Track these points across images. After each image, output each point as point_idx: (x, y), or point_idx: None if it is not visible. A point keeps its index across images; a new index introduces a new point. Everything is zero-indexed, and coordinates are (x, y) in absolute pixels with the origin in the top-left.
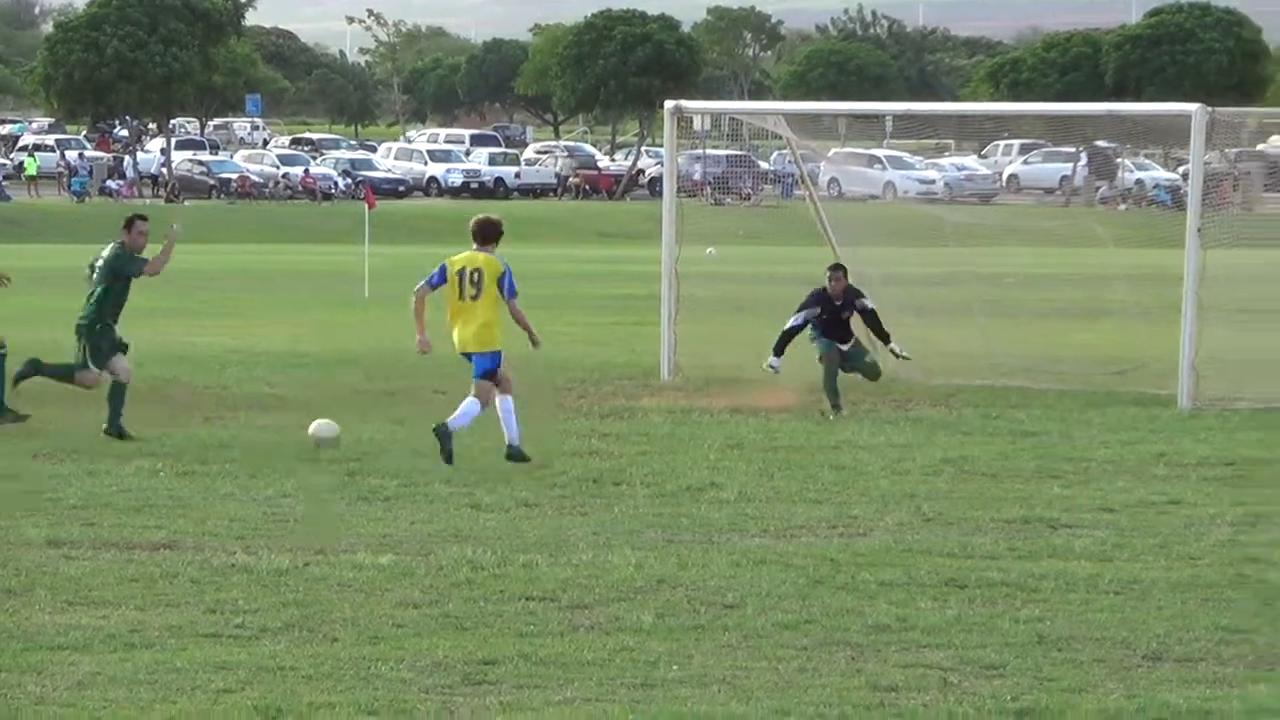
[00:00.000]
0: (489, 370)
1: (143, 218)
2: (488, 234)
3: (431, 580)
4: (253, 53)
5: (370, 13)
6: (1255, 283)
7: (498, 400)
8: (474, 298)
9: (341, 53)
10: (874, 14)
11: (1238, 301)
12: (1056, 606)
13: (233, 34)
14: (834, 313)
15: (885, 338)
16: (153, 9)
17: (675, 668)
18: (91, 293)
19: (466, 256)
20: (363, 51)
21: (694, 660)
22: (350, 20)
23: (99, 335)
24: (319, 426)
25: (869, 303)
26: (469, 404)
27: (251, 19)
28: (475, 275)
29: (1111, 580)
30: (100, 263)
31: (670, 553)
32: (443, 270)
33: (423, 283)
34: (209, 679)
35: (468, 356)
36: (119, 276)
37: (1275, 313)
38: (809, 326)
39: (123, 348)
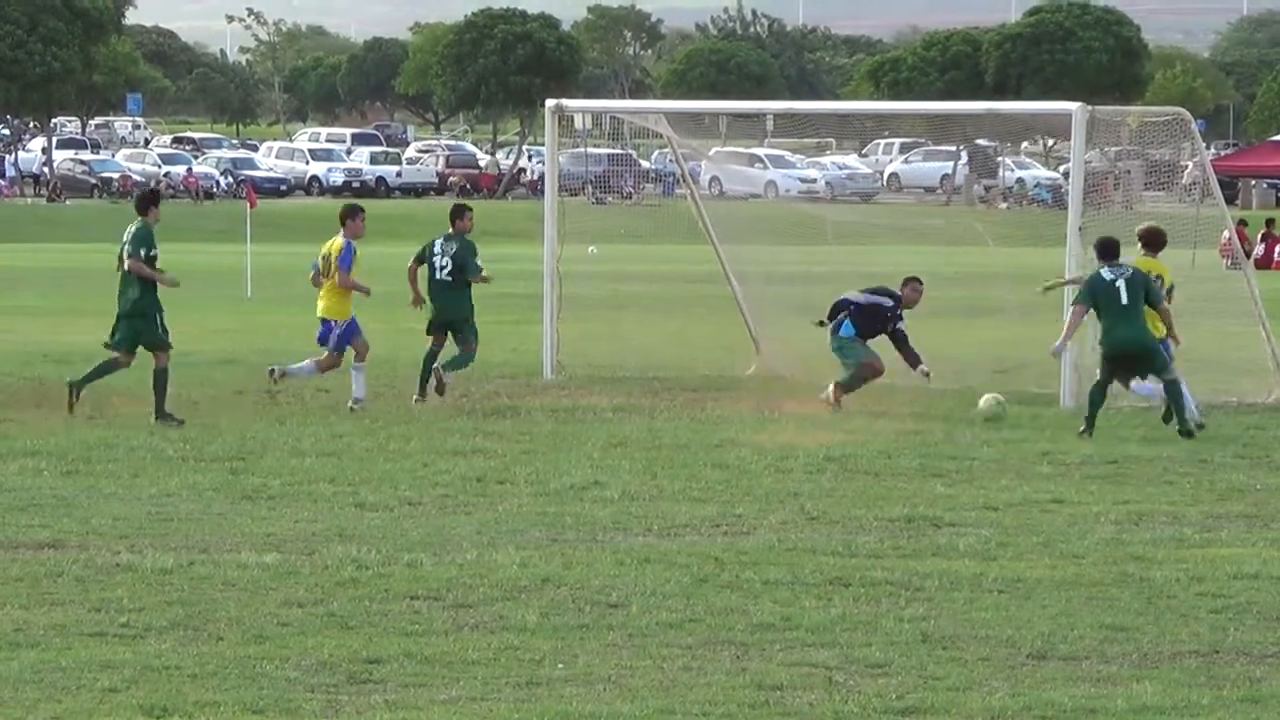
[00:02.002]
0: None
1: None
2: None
3: (316, 579)
4: (133, 51)
5: (250, 11)
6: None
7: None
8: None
9: (222, 51)
10: (754, 13)
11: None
12: (941, 605)
13: (113, 33)
14: (886, 321)
15: (915, 360)
16: (32, 8)
17: (560, 666)
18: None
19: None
20: (243, 50)
21: (579, 659)
22: (230, 19)
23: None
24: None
25: (904, 325)
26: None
27: (132, 17)
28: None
29: (995, 579)
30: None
31: (555, 552)
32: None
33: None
34: (94, 678)
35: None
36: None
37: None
38: (848, 323)
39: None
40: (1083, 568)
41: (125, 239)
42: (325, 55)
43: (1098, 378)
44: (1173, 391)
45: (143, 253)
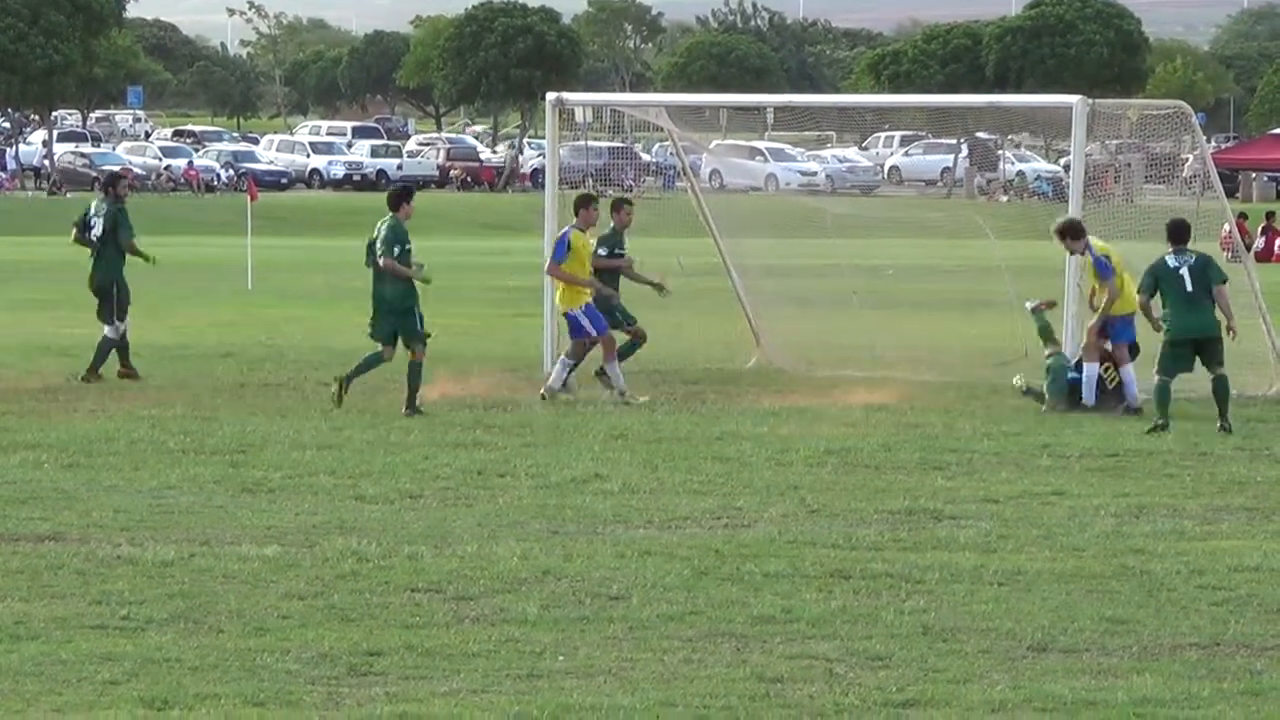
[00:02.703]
0: None
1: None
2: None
3: (317, 572)
4: (134, 45)
5: (251, 5)
6: (1135, 274)
7: None
8: None
9: (223, 45)
10: (754, 6)
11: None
12: (941, 597)
13: (114, 26)
14: None
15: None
16: (33, 1)
17: (561, 659)
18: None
19: None
20: (244, 44)
21: (579, 651)
22: (231, 12)
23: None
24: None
25: None
26: None
27: (133, 11)
28: None
29: (996, 571)
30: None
31: (555, 544)
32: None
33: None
34: (95, 670)
35: None
36: None
37: (1155, 305)
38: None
39: None
40: (1083, 560)
41: (376, 235)
42: (326, 48)
43: (1157, 376)
44: (1222, 386)
45: (395, 250)
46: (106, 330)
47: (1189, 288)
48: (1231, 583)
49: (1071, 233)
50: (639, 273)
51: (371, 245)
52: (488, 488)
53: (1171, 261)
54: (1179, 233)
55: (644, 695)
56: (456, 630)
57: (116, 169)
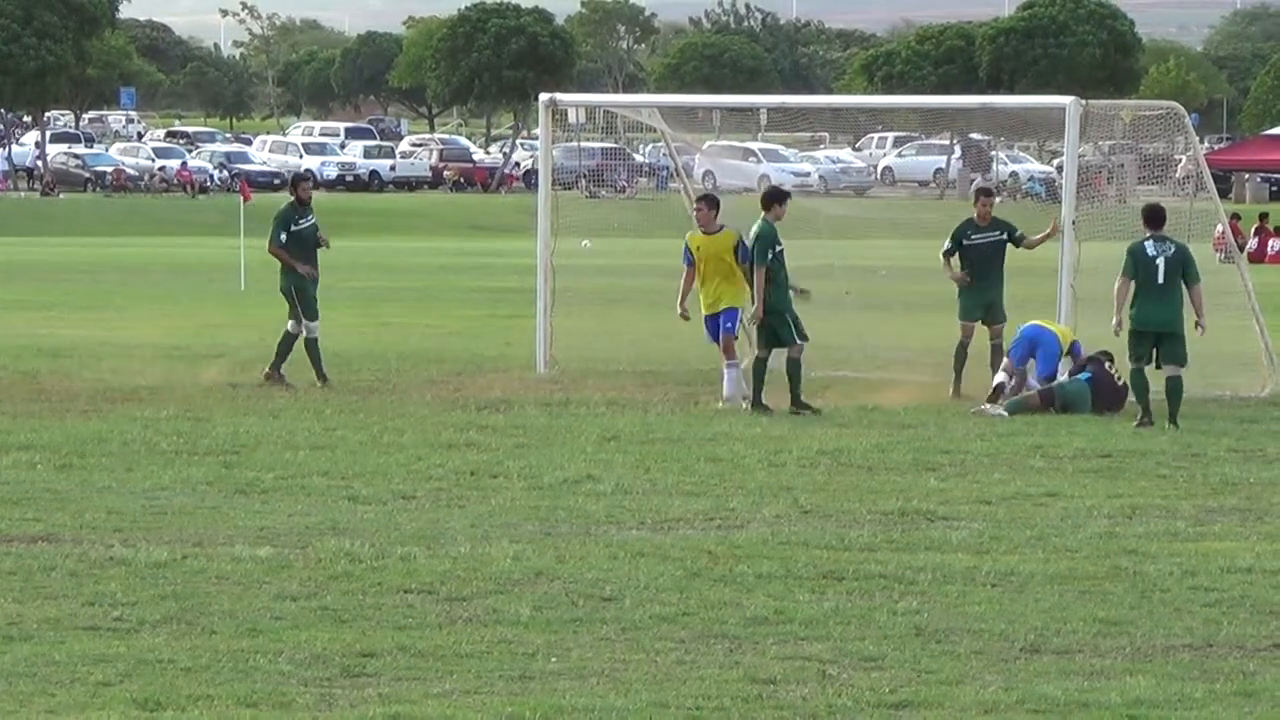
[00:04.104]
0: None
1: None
2: None
3: (309, 573)
4: (127, 45)
5: (244, 5)
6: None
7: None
8: None
9: (216, 46)
10: (747, 6)
11: (1110, 294)
12: (934, 599)
13: (107, 27)
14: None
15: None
16: (26, 2)
17: (553, 660)
18: None
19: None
20: (237, 45)
21: (572, 653)
22: (224, 13)
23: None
24: None
25: None
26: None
27: (125, 12)
28: None
29: (989, 572)
30: None
31: (548, 545)
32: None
33: None
34: (88, 672)
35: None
36: None
37: None
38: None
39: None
40: (1076, 561)
41: (749, 238)
42: (319, 49)
43: (1130, 362)
44: (1175, 387)
45: (769, 254)
46: (289, 326)
47: (1160, 279)
48: (1224, 584)
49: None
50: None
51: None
52: (480, 489)
53: (1150, 249)
54: (1156, 218)
55: (636, 696)
56: (449, 631)
57: (299, 169)
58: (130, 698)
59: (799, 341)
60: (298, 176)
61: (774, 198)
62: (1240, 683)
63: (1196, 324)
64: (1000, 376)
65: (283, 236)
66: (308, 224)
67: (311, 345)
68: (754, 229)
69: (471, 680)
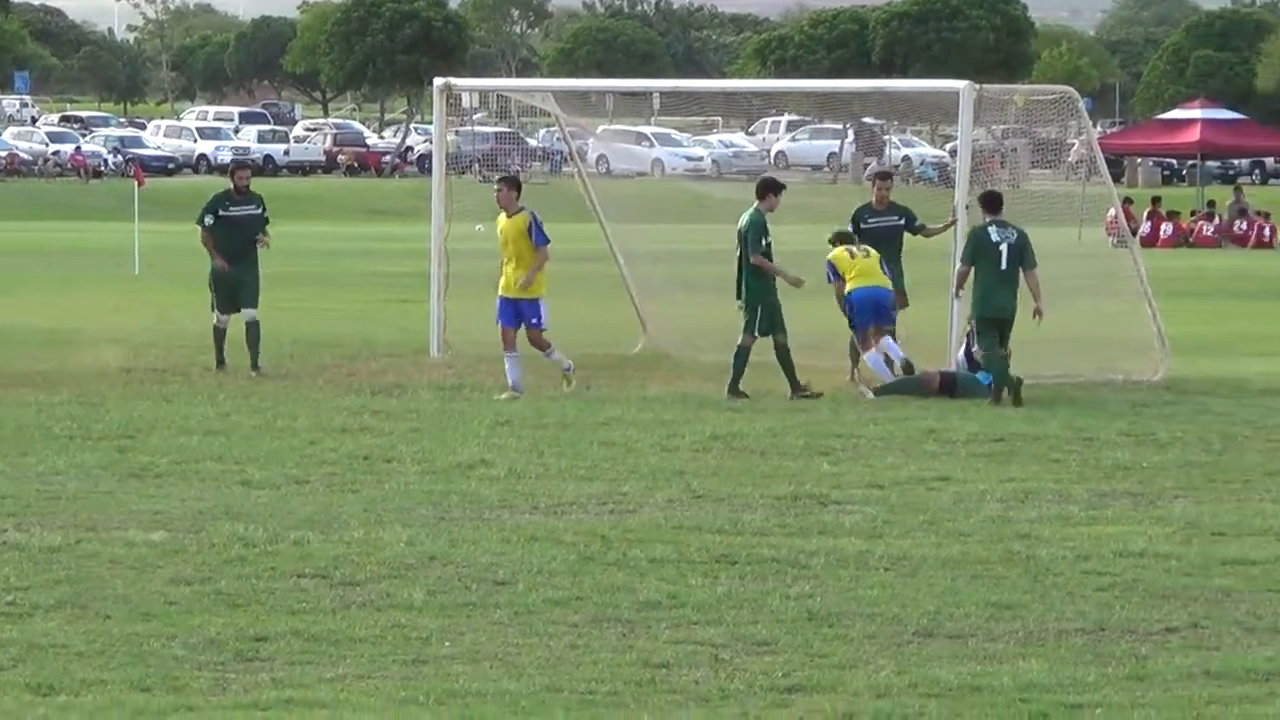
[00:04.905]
0: None
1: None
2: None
3: (203, 557)
4: (21, 29)
5: None
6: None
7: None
8: None
9: (110, 30)
10: None
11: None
12: (827, 583)
13: (0, 10)
14: None
15: None
16: None
17: (447, 644)
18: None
19: None
20: (131, 29)
21: (465, 637)
22: None
23: None
24: None
25: None
26: None
27: None
28: None
29: (882, 557)
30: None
31: (441, 530)
32: None
33: None
34: None
35: None
36: None
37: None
38: None
39: None
40: (969, 545)
41: (741, 227)
42: (213, 33)
43: (982, 348)
44: (998, 366)
45: (763, 243)
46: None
47: (1003, 265)
48: (1117, 568)
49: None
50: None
51: None
52: (374, 473)
53: (994, 235)
54: (995, 203)
55: (530, 681)
56: (343, 616)
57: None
58: (23, 682)
59: (755, 335)
60: (236, 163)
61: (768, 187)
62: (1132, 666)
63: (1035, 311)
64: (874, 354)
65: (207, 219)
66: (242, 212)
67: (218, 334)
68: (745, 218)
69: (365, 665)
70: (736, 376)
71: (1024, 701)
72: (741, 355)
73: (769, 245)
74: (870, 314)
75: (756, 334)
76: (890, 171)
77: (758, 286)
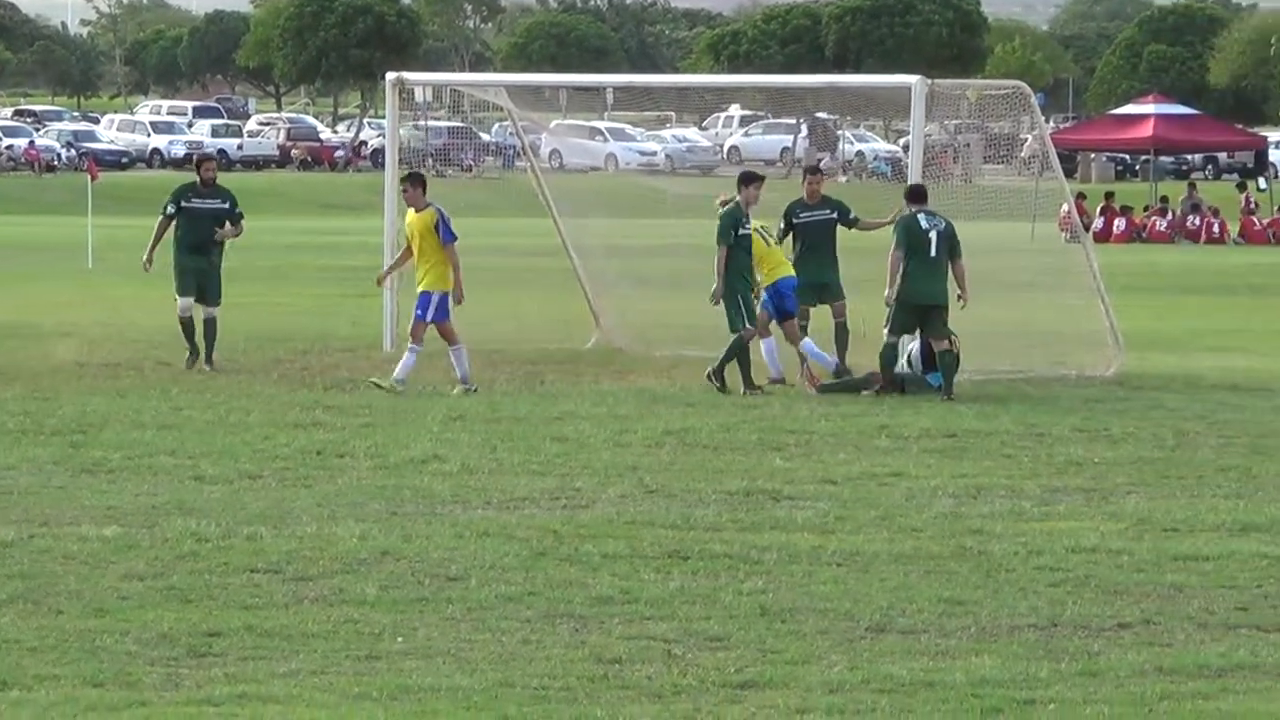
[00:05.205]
0: None
1: None
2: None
3: (156, 553)
4: None
5: None
6: (974, 255)
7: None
8: None
9: (64, 24)
10: None
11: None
12: (779, 578)
13: None
14: None
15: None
16: None
17: (400, 640)
18: None
19: None
20: (84, 23)
21: (418, 632)
22: None
23: None
24: None
25: None
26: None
27: None
28: None
29: (834, 552)
30: None
31: (394, 525)
32: None
33: None
34: None
35: None
36: None
37: (993, 285)
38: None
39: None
40: (921, 541)
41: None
42: (167, 28)
43: (888, 332)
44: (950, 360)
45: (733, 235)
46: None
47: (933, 253)
48: (1069, 564)
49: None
50: None
51: None
52: (327, 468)
53: (924, 223)
54: (920, 194)
55: (482, 676)
56: (295, 611)
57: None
58: None
59: (748, 326)
60: (202, 156)
61: (745, 179)
62: (1085, 662)
63: (959, 297)
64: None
65: (169, 208)
66: (205, 205)
67: (185, 325)
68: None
69: (318, 660)
70: (745, 370)
71: (976, 697)
72: (737, 344)
73: (742, 238)
74: (791, 301)
75: (748, 325)
76: (819, 166)
77: (734, 279)
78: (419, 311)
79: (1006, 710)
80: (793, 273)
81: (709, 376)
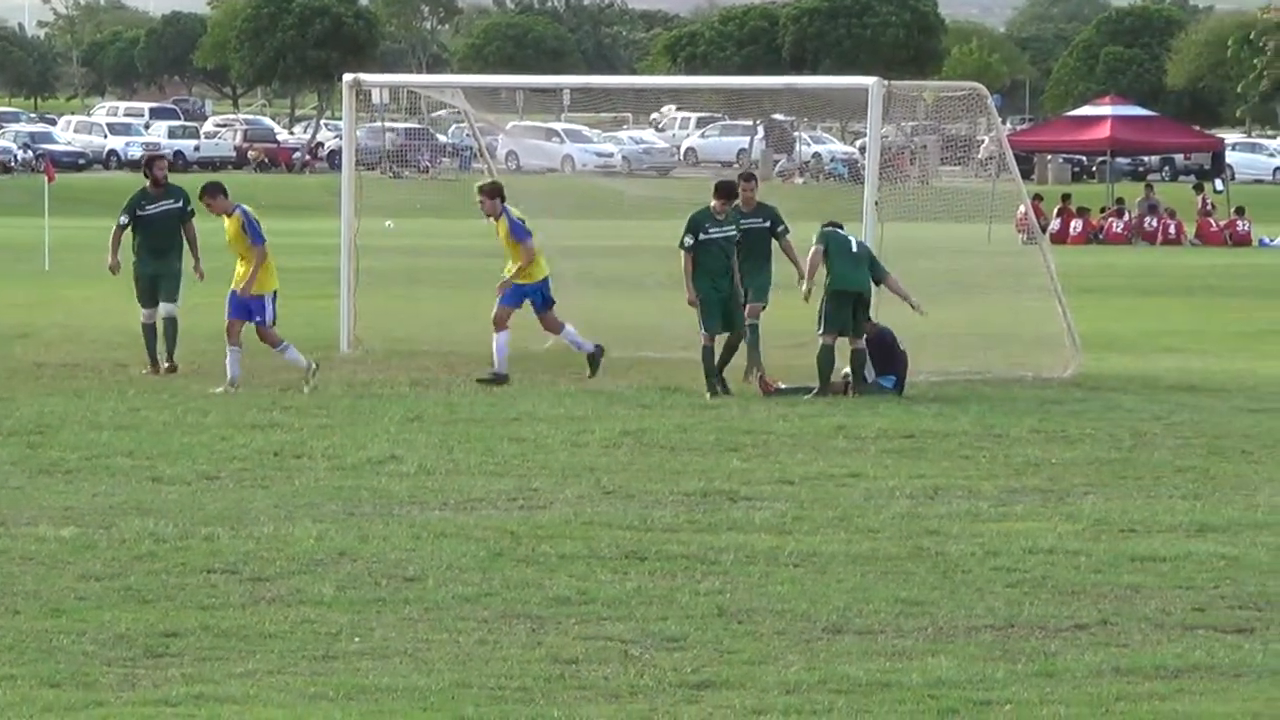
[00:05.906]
0: None
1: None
2: None
3: (113, 553)
4: None
5: None
6: (931, 256)
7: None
8: None
9: (20, 25)
10: None
11: (913, 275)
12: (736, 579)
13: None
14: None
15: None
16: None
17: (357, 640)
18: None
19: None
20: (41, 24)
21: (375, 633)
22: None
23: None
24: None
25: None
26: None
27: None
28: None
29: (791, 553)
30: None
31: (351, 525)
32: None
33: None
34: None
35: None
36: None
37: (950, 286)
38: None
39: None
40: (878, 542)
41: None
42: (124, 29)
43: (820, 339)
44: (861, 360)
45: (690, 239)
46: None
47: (854, 249)
48: (1026, 564)
49: (489, 192)
50: None
51: None
52: (284, 469)
53: (841, 231)
54: (728, 191)
55: (439, 677)
56: (253, 611)
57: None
58: None
59: (716, 333)
60: (152, 155)
61: (719, 189)
62: (1041, 663)
63: (915, 307)
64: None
65: (123, 219)
66: (159, 209)
67: (147, 333)
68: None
69: (275, 660)
70: (752, 365)
71: (933, 698)
72: (705, 354)
73: (709, 241)
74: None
75: (717, 331)
76: (754, 174)
77: (700, 283)
78: (258, 318)
79: (963, 711)
80: (547, 275)
81: (712, 395)
